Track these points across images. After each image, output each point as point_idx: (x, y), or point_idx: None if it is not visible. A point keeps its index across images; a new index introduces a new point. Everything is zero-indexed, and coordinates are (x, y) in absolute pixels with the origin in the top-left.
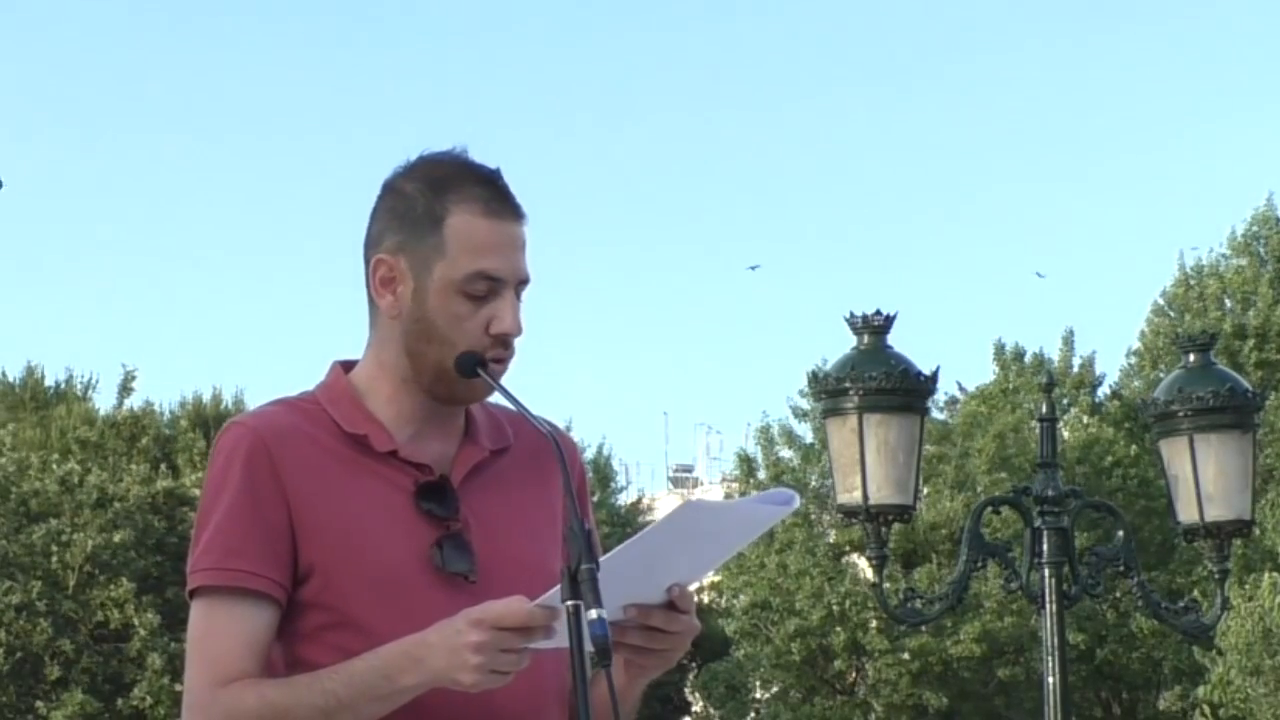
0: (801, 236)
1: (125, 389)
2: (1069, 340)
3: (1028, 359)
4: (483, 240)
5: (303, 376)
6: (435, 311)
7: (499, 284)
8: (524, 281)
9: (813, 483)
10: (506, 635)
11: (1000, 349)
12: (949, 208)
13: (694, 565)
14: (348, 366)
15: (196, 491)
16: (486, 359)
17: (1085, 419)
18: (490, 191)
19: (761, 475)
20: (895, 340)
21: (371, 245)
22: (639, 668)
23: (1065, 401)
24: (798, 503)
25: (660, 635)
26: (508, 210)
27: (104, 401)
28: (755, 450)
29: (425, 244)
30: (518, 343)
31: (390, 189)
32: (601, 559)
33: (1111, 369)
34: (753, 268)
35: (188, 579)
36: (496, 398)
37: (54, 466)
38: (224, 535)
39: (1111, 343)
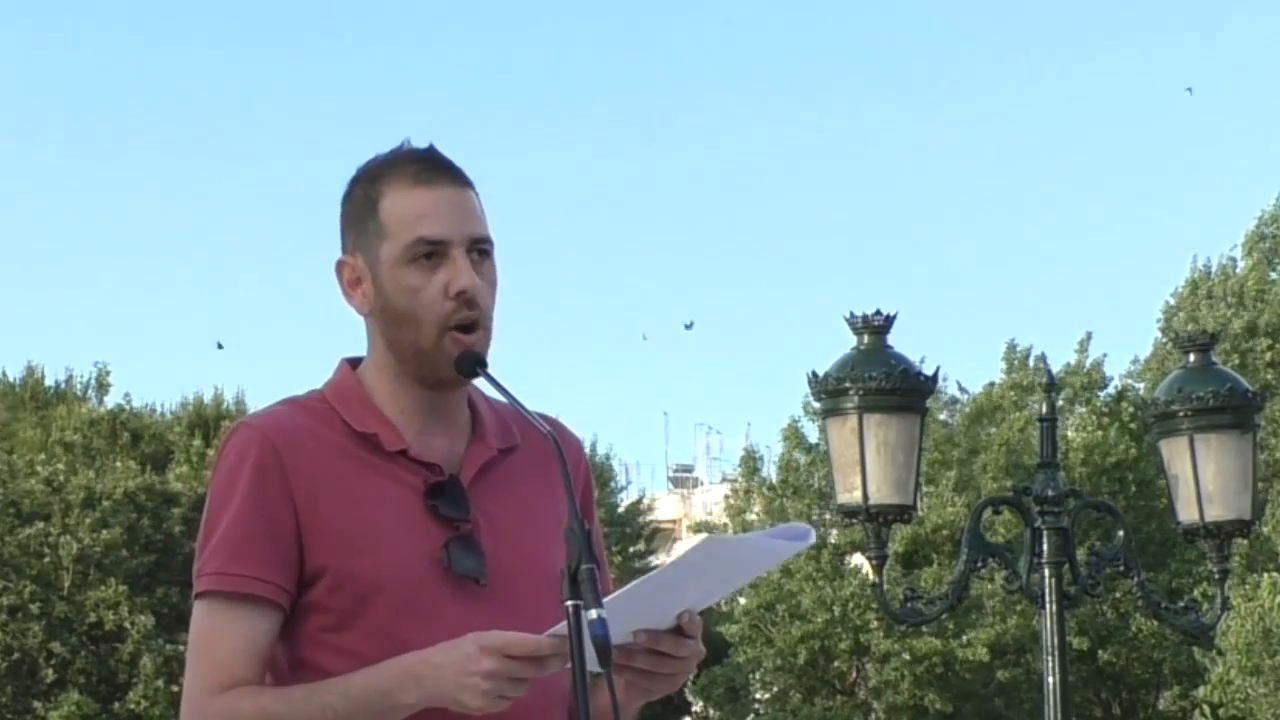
0: (801, 236)
1: (101, 386)
2: (1084, 344)
3: (1032, 360)
4: (415, 209)
5: (304, 378)
6: (393, 292)
7: (444, 245)
8: (478, 240)
9: (815, 483)
10: (518, 664)
11: (1011, 349)
12: (949, 207)
13: (705, 594)
14: (355, 364)
15: (180, 487)
16: (469, 344)
17: (1091, 420)
18: (420, 165)
19: (765, 473)
20: (895, 340)
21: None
22: (642, 690)
23: (1073, 402)
24: (813, 538)
25: (667, 660)
26: (440, 176)
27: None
28: (775, 450)
29: (370, 234)
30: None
31: (342, 198)
32: (616, 594)
33: (1123, 372)
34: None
35: (194, 583)
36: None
37: (39, 468)
38: (230, 540)
39: (1127, 346)
